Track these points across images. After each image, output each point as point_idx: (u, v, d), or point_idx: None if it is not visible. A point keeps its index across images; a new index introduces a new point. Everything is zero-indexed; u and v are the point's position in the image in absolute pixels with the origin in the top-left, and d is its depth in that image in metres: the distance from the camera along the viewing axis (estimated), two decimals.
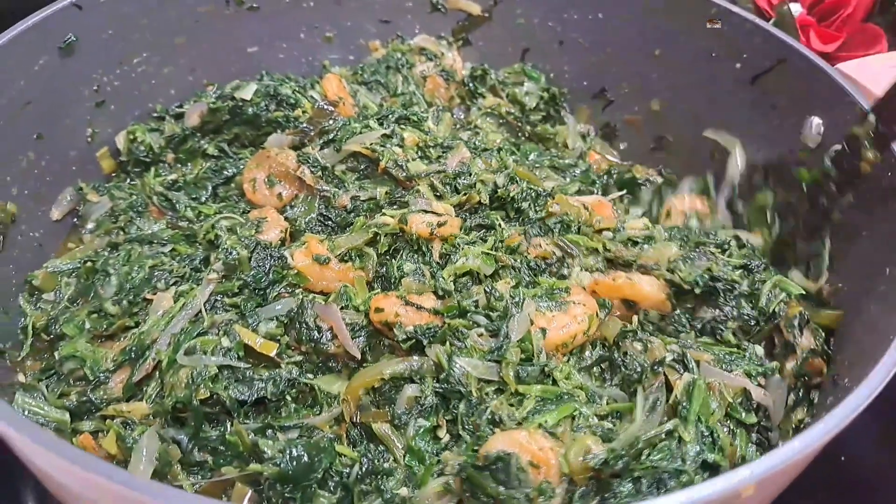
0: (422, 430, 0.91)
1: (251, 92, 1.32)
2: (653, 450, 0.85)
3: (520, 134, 1.49)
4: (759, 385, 0.99)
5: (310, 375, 0.97)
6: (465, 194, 1.12)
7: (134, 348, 0.98)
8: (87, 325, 1.04)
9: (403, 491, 0.87)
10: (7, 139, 1.11)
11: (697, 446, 0.86)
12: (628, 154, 1.53)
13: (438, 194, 1.12)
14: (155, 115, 1.36)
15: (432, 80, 1.50)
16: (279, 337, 0.97)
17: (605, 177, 1.41)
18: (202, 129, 1.34)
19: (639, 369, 0.96)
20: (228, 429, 0.91)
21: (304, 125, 1.26)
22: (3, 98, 1.10)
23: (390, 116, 1.26)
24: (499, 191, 1.14)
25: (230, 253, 1.04)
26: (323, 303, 0.98)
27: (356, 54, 1.56)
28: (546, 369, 0.94)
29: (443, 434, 0.92)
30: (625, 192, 1.38)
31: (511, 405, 0.91)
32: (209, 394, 0.90)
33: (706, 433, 0.88)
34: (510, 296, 0.99)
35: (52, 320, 1.06)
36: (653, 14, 1.39)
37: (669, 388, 0.94)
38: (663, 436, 0.86)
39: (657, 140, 1.48)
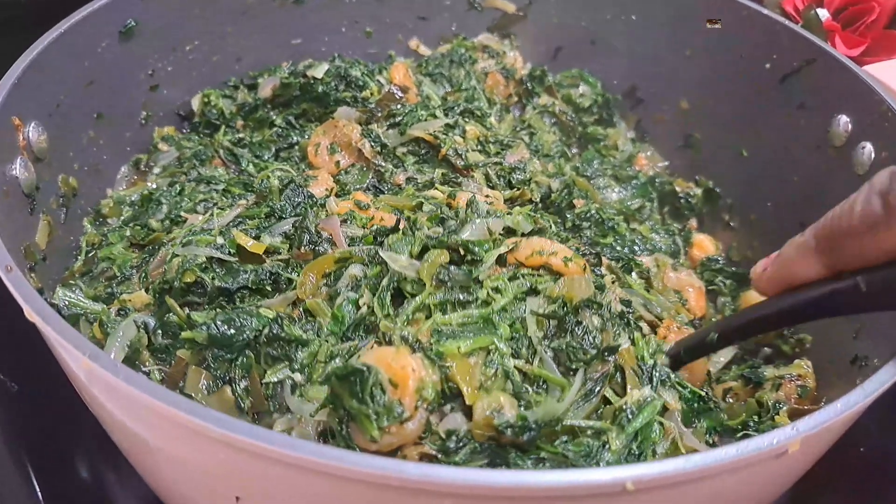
0: (349, 300, 0.91)
1: (322, 71, 1.38)
2: (571, 439, 0.80)
3: (571, 134, 1.54)
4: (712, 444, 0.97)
5: (292, 272, 0.99)
6: (517, 189, 1.17)
7: (151, 247, 1.07)
8: (128, 234, 1.12)
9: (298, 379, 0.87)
10: (72, 115, 1.15)
11: (619, 458, 0.80)
12: (656, 151, 1.58)
13: (491, 185, 1.17)
14: (230, 83, 1.43)
15: (493, 77, 1.55)
16: (280, 248, 1.01)
17: (649, 186, 1.45)
18: (273, 101, 1.40)
19: (589, 349, 0.86)
20: None
21: (373, 105, 1.31)
22: (70, 76, 1.14)
23: (455, 108, 1.32)
24: (552, 195, 1.19)
25: (263, 182, 1.11)
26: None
27: (393, 49, 1.61)
28: (474, 273, 0.90)
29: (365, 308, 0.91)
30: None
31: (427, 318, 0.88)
32: (195, 278, 0.95)
33: (635, 451, 0.82)
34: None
35: (104, 236, 1.15)
36: (686, 17, 1.44)
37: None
38: (589, 431, 0.81)
39: (686, 138, 1.53)
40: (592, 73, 1.59)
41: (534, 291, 0.93)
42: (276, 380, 0.87)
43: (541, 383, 0.84)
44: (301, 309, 0.94)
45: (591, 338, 0.87)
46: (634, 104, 1.60)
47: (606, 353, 0.86)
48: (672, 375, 0.94)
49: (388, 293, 0.90)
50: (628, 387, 0.87)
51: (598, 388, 0.84)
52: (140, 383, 0.64)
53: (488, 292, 0.90)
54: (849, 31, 1.62)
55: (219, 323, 0.88)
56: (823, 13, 1.60)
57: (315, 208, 1.06)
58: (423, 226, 1.02)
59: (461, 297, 0.89)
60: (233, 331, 0.88)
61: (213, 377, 0.88)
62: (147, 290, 0.99)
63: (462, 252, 0.95)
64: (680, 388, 0.94)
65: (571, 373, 0.85)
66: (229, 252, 0.99)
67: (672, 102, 1.53)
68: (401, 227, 1.01)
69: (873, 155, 1.15)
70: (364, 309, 0.90)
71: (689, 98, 1.51)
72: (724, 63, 1.42)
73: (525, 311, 0.89)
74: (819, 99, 1.26)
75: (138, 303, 0.98)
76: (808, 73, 1.28)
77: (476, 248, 0.95)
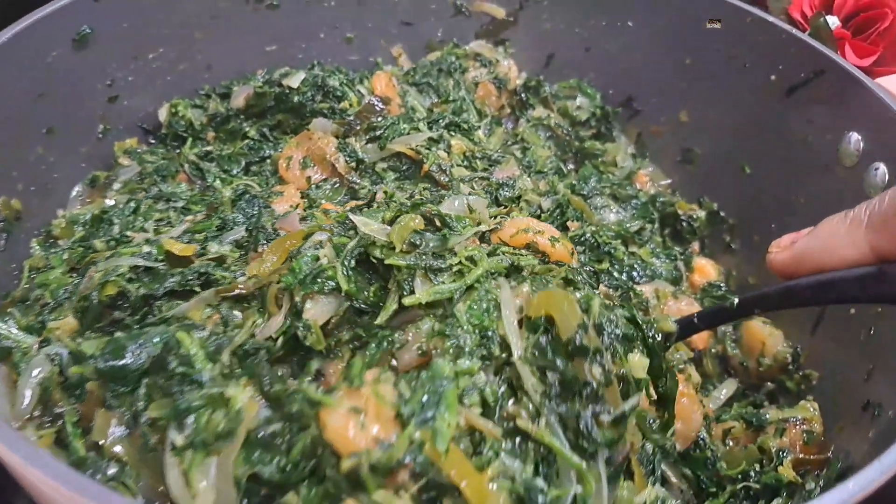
0: (309, 256, 0.85)
1: (299, 80, 1.30)
2: None
3: (567, 149, 1.45)
4: None
5: (224, 272, 0.91)
6: (505, 206, 1.09)
7: (85, 268, 0.98)
8: (66, 256, 1.04)
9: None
10: (16, 132, 1.07)
11: None
12: (658, 168, 1.49)
13: None
14: (202, 92, 1.35)
15: (484, 87, 1.47)
16: (228, 257, 0.95)
17: (650, 206, 1.35)
18: (246, 111, 1.33)
19: (605, 422, 0.72)
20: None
21: (351, 118, 1.24)
22: (14, 89, 1.06)
23: (440, 121, 1.25)
24: (542, 215, 1.11)
25: (215, 194, 1.05)
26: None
27: (376, 56, 1.52)
28: (449, 241, 0.83)
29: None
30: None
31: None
32: (116, 290, 0.88)
33: None
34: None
35: (47, 259, 1.06)
36: (685, 24, 1.35)
37: None
38: None
39: (684, 153, 1.44)
40: (586, 83, 1.50)
41: (515, 269, 0.85)
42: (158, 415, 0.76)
43: (550, 458, 0.71)
44: (222, 311, 0.85)
45: (599, 406, 0.72)
46: (630, 115, 1.51)
47: (620, 425, 0.72)
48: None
49: (352, 258, 0.83)
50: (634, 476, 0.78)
51: (617, 483, 0.73)
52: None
53: (462, 261, 0.82)
54: (859, 40, 1.52)
55: (107, 355, 0.78)
56: (833, 20, 1.50)
57: (270, 215, 1.00)
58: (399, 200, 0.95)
59: (433, 264, 0.81)
60: (125, 360, 0.77)
61: (120, 416, 0.78)
62: (75, 314, 0.91)
63: (439, 224, 0.88)
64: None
65: (579, 451, 0.71)
66: (156, 259, 0.92)
67: (670, 114, 1.44)
68: (377, 198, 0.94)
69: (887, 177, 1.05)
70: (324, 262, 0.84)
71: (689, 110, 1.42)
72: (727, 73, 1.32)
73: (497, 310, 0.78)
74: (828, 114, 1.17)
75: (66, 330, 0.90)
76: (817, 85, 1.19)
77: (454, 223, 0.88)
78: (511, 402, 0.73)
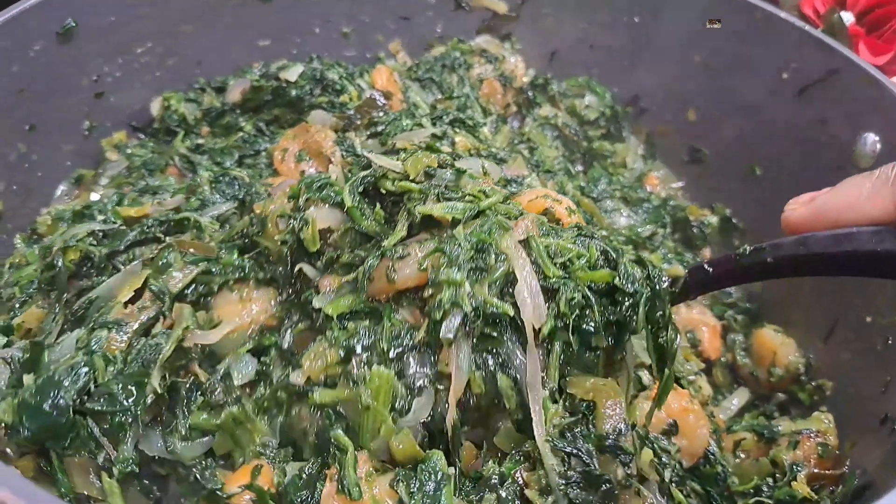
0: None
1: (296, 74, 1.26)
2: None
3: (575, 149, 1.40)
4: None
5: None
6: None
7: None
8: (37, 252, 1.01)
9: None
10: None
11: None
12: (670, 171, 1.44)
13: None
14: (196, 86, 1.31)
15: (489, 84, 1.42)
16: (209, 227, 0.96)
17: (662, 210, 1.31)
18: (242, 105, 1.28)
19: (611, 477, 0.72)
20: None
21: (351, 112, 1.20)
22: None
23: (444, 117, 1.21)
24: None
25: (190, 177, 1.07)
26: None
27: (373, 51, 1.47)
28: (463, 176, 0.83)
29: None
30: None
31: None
32: (79, 255, 0.90)
33: None
34: None
35: (24, 256, 1.03)
36: (694, 19, 1.30)
37: None
38: None
39: (692, 153, 1.39)
40: (595, 81, 1.45)
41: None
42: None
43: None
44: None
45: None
46: (637, 114, 1.46)
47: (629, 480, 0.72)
48: None
49: (361, 185, 0.82)
50: None
51: None
52: None
53: (475, 193, 0.81)
54: (874, 37, 1.47)
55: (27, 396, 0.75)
56: (847, 17, 1.45)
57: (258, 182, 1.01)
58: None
59: (445, 193, 0.80)
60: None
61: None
62: (41, 293, 0.91)
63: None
64: None
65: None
66: (114, 223, 0.95)
67: (678, 113, 1.39)
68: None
69: None
70: (333, 178, 0.85)
71: (697, 108, 1.37)
72: (737, 71, 1.28)
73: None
74: (843, 114, 1.12)
75: (32, 320, 0.87)
76: (831, 84, 1.15)
77: (469, 179, 0.85)
78: (524, 468, 0.72)
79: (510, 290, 0.73)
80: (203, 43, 1.31)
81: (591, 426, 0.73)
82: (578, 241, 0.77)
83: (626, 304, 0.75)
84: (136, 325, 0.83)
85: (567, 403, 0.74)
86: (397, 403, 0.73)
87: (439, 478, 0.70)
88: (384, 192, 0.83)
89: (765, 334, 1.15)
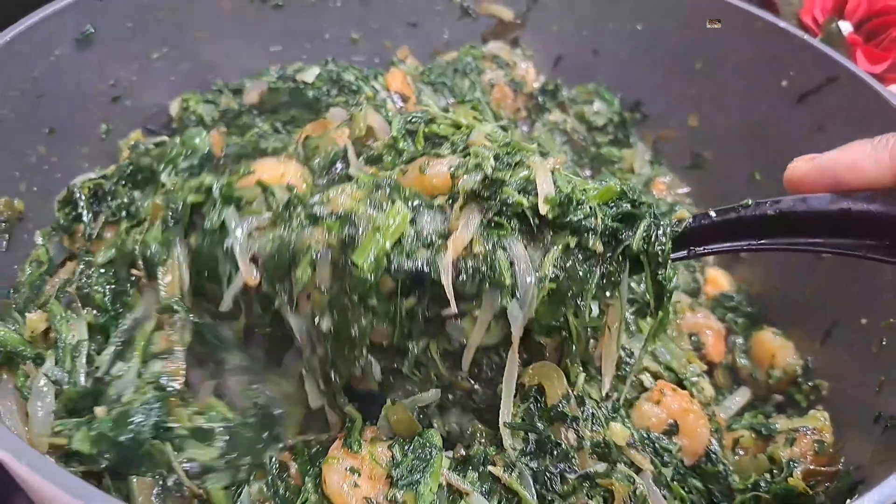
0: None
1: (313, 75, 1.29)
2: None
3: (584, 154, 1.43)
4: None
5: None
6: None
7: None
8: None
9: None
10: (18, 132, 1.06)
11: None
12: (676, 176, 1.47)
13: None
14: (214, 88, 1.34)
15: (500, 89, 1.45)
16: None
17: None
18: (260, 107, 1.31)
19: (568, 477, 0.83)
20: None
21: None
22: (15, 89, 1.04)
23: None
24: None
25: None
26: None
27: (381, 57, 1.50)
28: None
29: None
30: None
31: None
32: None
33: None
34: None
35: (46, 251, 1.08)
36: (695, 27, 1.33)
37: None
38: None
39: (694, 157, 1.42)
40: (604, 88, 1.48)
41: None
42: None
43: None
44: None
45: (565, 465, 0.82)
46: (640, 120, 1.49)
47: (586, 483, 0.82)
48: None
49: (411, 122, 0.94)
50: None
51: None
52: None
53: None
54: (872, 45, 1.50)
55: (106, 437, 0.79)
56: (846, 26, 1.48)
57: None
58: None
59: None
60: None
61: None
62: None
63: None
64: None
65: (541, 499, 0.81)
66: None
67: (679, 119, 1.42)
68: None
69: None
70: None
71: (699, 114, 1.40)
72: (737, 78, 1.31)
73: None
74: (841, 122, 1.15)
75: (36, 325, 0.91)
76: (829, 92, 1.17)
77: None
78: (493, 448, 0.84)
79: (529, 188, 0.78)
80: (217, 48, 1.34)
81: (541, 405, 0.84)
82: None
83: (629, 216, 0.79)
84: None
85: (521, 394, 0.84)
86: (403, 241, 0.77)
87: (433, 450, 0.81)
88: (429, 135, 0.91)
89: (764, 337, 1.18)
